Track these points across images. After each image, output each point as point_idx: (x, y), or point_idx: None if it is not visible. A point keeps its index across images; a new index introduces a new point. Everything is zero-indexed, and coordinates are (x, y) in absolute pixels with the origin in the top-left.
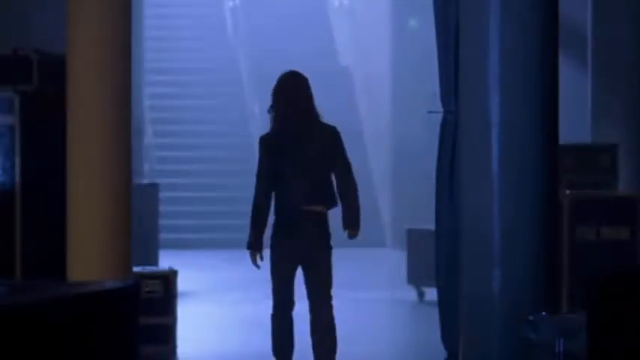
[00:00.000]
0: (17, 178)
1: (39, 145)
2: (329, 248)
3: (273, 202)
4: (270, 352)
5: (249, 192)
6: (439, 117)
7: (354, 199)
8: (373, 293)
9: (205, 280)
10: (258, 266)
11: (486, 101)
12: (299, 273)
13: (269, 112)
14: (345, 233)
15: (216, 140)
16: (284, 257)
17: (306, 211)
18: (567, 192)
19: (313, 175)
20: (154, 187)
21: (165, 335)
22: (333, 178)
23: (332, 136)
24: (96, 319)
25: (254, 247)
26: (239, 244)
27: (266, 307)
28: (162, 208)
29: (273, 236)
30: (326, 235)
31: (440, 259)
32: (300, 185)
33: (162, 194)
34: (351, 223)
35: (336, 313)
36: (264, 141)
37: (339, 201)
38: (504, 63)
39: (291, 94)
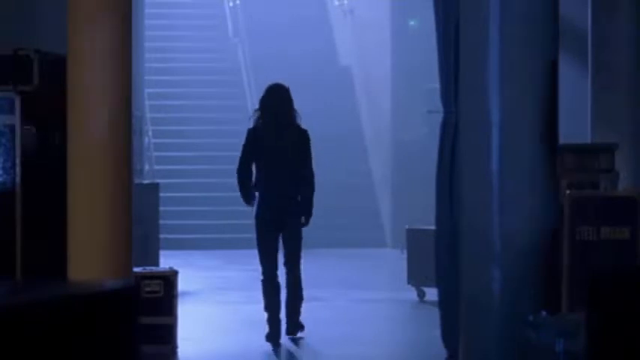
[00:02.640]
0: (17, 178)
1: (39, 145)
2: (299, 223)
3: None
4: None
5: None
6: (439, 117)
7: (310, 190)
8: (373, 293)
9: (205, 280)
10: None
11: (486, 101)
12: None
13: (255, 111)
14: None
15: (216, 140)
16: (267, 229)
17: (281, 192)
18: (567, 192)
19: (285, 163)
20: (154, 187)
21: (165, 335)
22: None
23: (302, 136)
24: (96, 319)
25: (249, 203)
26: (239, 244)
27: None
28: (162, 208)
29: (256, 213)
30: (297, 211)
31: (440, 259)
32: (275, 170)
33: (162, 194)
34: (304, 210)
35: (336, 313)
36: (250, 132)
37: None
38: (504, 63)
39: (275, 98)
